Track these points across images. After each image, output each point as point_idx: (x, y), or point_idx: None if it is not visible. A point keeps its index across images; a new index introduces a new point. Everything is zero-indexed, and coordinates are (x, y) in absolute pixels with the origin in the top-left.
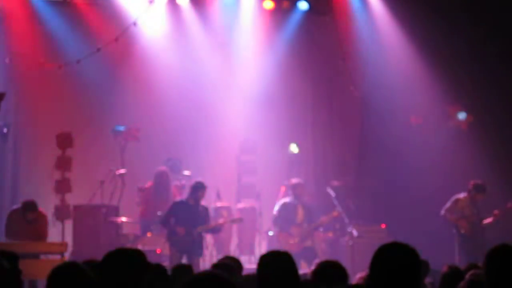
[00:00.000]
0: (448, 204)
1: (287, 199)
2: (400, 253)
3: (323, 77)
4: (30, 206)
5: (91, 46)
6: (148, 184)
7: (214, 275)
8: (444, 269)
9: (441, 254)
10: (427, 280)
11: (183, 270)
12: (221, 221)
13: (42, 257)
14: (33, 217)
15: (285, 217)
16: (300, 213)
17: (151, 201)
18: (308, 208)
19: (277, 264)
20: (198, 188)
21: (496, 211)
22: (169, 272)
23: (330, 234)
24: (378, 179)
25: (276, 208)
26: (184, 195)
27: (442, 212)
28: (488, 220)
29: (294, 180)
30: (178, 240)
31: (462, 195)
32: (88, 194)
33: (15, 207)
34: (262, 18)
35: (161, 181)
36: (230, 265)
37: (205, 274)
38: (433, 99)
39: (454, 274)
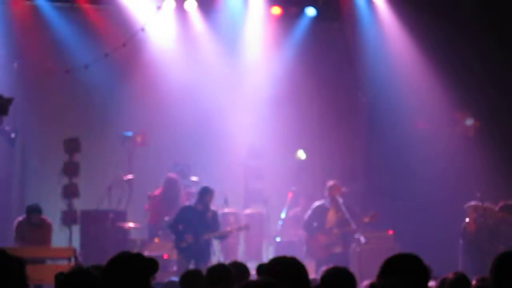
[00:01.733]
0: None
1: (319, 202)
2: (409, 264)
3: (330, 83)
4: (33, 209)
5: (99, 51)
6: (157, 191)
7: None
8: (450, 275)
9: (448, 260)
10: (431, 284)
11: (192, 276)
12: (228, 229)
13: (49, 262)
14: (37, 221)
15: (315, 220)
16: (331, 217)
17: (159, 207)
18: (342, 212)
19: (285, 269)
20: (205, 193)
21: None
22: (178, 279)
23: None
24: (385, 185)
25: (308, 212)
26: (192, 201)
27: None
28: None
29: (331, 182)
30: (185, 247)
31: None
32: (95, 199)
33: (21, 217)
34: (269, 24)
35: (171, 188)
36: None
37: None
38: (441, 105)
39: (460, 281)
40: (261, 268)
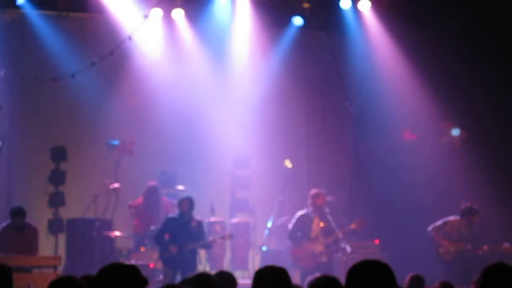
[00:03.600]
0: (438, 223)
1: (303, 211)
2: (373, 270)
3: (317, 92)
4: (16, 212)
5: (86, 60)
6: (138, 200)
7: None
8: (436, 285)
9: (434, 270)
10: None
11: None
12: (211, 238)
13: (35, 270)
14: (20, 223)
15: (299, 230)
16: (316, 226)
17: (143, 216)
18: (328, 220)
19: (271, 279)
20: (180, 202)
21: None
22: None
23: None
24: (372, 194)
25: (292, 221)
26: (176, 212)
27: (430, 228)
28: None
29: (314, 190)
30: (170, 258)
31: (452, 218)
32: (81, 208)
33: (5, 223)
34: (257, 34)
35: (152, 195)
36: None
37: None
38: (427, 116)
39: None
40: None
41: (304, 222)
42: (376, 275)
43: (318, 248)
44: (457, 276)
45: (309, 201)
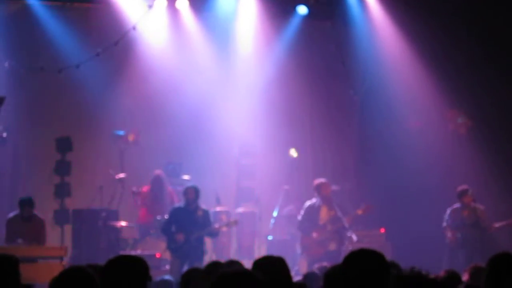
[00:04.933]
0: (446, 217)
1: (310, 201)
2: (365, 259)
3: (322, 81)
4: (26, 202)
5: (91, 50)
6: (144, 188)
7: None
8: (442, 273)
9: (440, 258)
10: None
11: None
12: (216, 225)
13: (41, 261)
14: (28, 214)
15: (308, 220)
16: (324, 214)
17: (149, 205)
18: (335, 209)
19: (270, 269)
20: (185, 191)
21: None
22: (171, 277)
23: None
24: (377, 183)
25: (301, 212)
26: (182, 202)
27: (444, 225)
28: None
29: (318, 180)
30: (178, 248)
31: (455, 206)
32: (87, 198)
33: (12, 213)
34: (261, 22)
35: (157, 185)
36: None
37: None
38: (432, 104)
39: (451, 279)
40: (256, 264)
41: (312, 212)
42: (370, 265)
43: (326, 235)
44: (465, 262)
45: (315, 190)
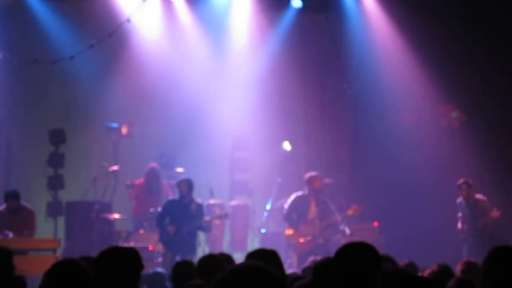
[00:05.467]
0: (458, 215)
1: (300, 193)
2: (358, 252)
3: (316, 75)
4: (11, 194)
5: (85, 42)
6: (138, 180)
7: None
8: (434, 267)
9: (433, 252)
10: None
11: (183, 268)
12: (207, 218)
13: (34, 253)
14: (15, 207)
15: (296, 212)
16: (313, 208)
17: (142, 198)
18: (324, 204)
19: (262, 262)
20: (178, 184)
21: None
22: (163, 270)
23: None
24: (371, 177)
25: (288, 202)
26: (176, 194)
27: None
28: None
29: (309, 174)
30: (170, 240)
31: (458, 199)
32: (80, 190)
33: (1, 207)
34: (255, 15)
35: (152, 177)
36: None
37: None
38: (427, 98)
39: (444, 273)
40: (249, 257)
41: (300, 204)
42: (361, 258)
43: (315, 230)
44: (468, 255)
45: (306, 182)
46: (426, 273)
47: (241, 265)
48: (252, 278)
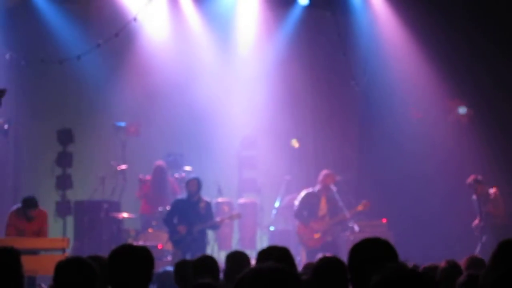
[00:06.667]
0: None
1: (310, 190)
2: (373, 247)
3: (323, 71)
4: (30, 203)
5: (92, 41)
6: (148, 177)
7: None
8: (443, 264)
9: (441, 248)
10: None
11: (183, 266)
12: (218, 219)
13: (43, 253)
14: (33, 214)
15: (306, 209)
16: (324, 205)
17: (150, 196)
18: (334, 201)
19: (274, 259)
20: (187, 183)
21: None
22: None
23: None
24: (379, 173)
25: (298, 199)
26: (184, 193)
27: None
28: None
29: (326, 171)
30: (180, 240)
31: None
32: (89, 190)
33: (15, 207)
34: (262, 13)
35: (158, 176)
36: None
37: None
38: (434, 93)
39: (452, 269)
40: (260, 255)
41: (311, 201)
42: (376, 252)
43: (325, 227)
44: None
45: (320, 179)
46: (434, 268)
47: (264, 267)
48: (276, 280)
